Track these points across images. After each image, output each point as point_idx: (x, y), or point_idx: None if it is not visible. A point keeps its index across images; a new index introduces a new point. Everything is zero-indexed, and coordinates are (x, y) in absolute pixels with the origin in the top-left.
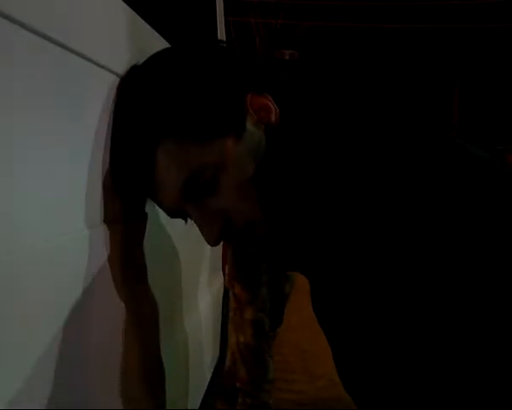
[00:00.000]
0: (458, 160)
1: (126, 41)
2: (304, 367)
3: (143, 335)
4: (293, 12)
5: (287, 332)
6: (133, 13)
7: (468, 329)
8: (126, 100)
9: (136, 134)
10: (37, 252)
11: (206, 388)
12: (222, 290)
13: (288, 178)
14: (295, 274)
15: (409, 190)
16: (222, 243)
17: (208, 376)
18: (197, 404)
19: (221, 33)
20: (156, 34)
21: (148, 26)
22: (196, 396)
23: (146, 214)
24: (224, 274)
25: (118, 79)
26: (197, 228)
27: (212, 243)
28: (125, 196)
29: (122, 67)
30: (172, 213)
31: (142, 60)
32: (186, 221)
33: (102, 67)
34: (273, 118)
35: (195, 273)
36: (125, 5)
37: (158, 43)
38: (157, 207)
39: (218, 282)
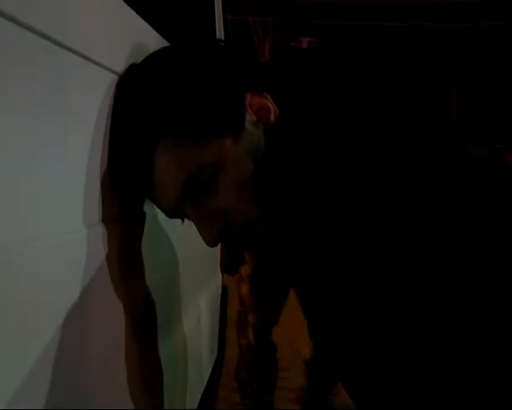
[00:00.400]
0: (459, 159)
1: (125, 40)
2: (299, 364)
3: (141, 334)
4: (293, 11)
5: (279, 329)
6: (132, 11)
7: (468, 329)
8: (124, 99)
9: (135, 133)
10: (35, 252)
11: (204, 388)
12: (220, 290)
13: (288, 179)
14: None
15: (410, 190)
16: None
17: (206, 376)
18: (195, 404)
19: (219, 32)
20: (155, 33)
21: (147, 25)
22: (194, 396)
23: (144, 214)
24: (222, 274)
25: (117, 78)
26: (195, 228)
27: (211, 244)
28: (124, 195)
29: (121, 66)
30: (170, 214)
31: (140, 58)
32: (183, 221)
33: (102, 66)
34: (272, 118)
35: (194, 273)
36: (124, 4)
37: (156, 41)
38: (155, 207)
39: (217, 282)
